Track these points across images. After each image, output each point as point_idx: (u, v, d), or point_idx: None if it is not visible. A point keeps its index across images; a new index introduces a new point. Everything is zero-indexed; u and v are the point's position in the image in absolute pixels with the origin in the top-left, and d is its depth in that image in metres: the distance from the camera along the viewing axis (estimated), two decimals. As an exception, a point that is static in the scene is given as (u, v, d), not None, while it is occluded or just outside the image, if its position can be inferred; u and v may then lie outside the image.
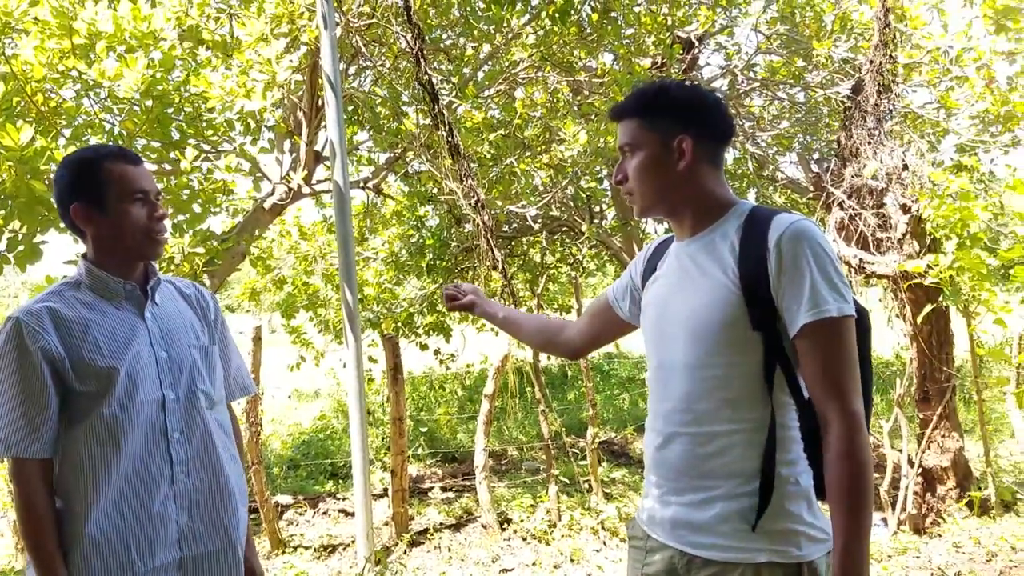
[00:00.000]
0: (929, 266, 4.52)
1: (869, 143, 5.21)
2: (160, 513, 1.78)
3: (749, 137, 7.75)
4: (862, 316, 1.63)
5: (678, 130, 1.66)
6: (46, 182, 3.96)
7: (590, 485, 5.87)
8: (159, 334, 1.86)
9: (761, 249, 1.55)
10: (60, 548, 1.69)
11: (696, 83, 1.91)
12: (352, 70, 7.12)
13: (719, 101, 1.74)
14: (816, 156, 8.20)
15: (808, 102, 7.93)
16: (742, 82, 7.79)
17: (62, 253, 4.69)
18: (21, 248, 4.26)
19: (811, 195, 6.37)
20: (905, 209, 4.96)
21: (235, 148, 5.75)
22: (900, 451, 5.06)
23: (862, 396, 1.50)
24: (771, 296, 1.53)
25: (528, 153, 6.87)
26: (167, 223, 1.92)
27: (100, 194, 1.80)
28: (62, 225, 4.38)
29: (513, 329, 2.29)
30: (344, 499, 6.51)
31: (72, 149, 4.13)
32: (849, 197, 5.18)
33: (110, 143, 2.02)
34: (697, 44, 7.63)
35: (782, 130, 8.00)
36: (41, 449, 1.70)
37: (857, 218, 5.12)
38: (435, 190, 7.52)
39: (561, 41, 6.50)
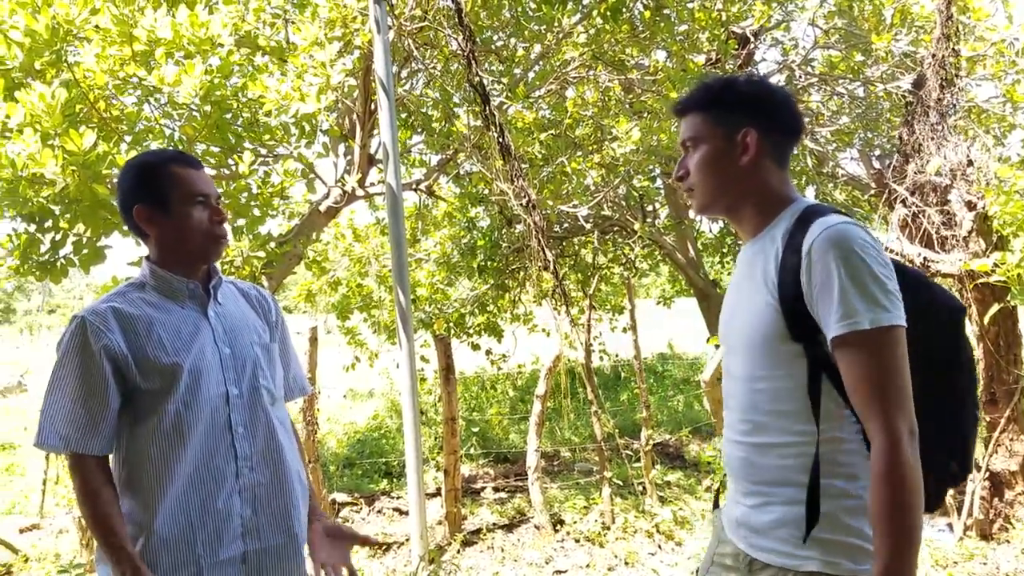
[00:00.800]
0: (996, 264, 4.36)
1: (932, 138, 5.05)
2: (225, 507, 1.81)
3: (808, 133, 7.59)
4: (946, 314, 1.56)
5: (743, 123, 1.61)
6: (108, 186, 4.08)
7: (644, 487, 5.80)
8: (222, 331, 1.90)
9: (797, 256, 1.48)
10: (128, 534, 1.72)
11: (765, 79, 1.84)
12: (404, 73, 7.18)
13: (789, 97, 1.69)
14: (877, 152, 7.98)
15: (868, 97, 7.72)
16: (800, 78, 7.63)
17: (125, 255, 4.82)
18: (85, 251, 4.39)
19: (873, 192, 6.21)
20: (970, 206, 4.79)
21: (291, 152, 5.85)
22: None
23: (907, 410, 1.39)
24: (807, 307, 1.47)
25: (579, 152, 6.83)
26: (227, 226, 1.97)
27: (162, 197, 1.84)
28: (125, 228, 4.52)
29: None
30: (398, 498, 6.57)
31: (133, 154, 4.24)
32: (912, 194, 5.03)
33: (171, 147, 2.07)
34: (753, 39, 7.50)
35: (842, 126, 7.80)
36: (100, 445, 1.74)
37: (921, 215, 4.96)
38: (486, 191, 7.54)
39: (613, 39, 6.45)
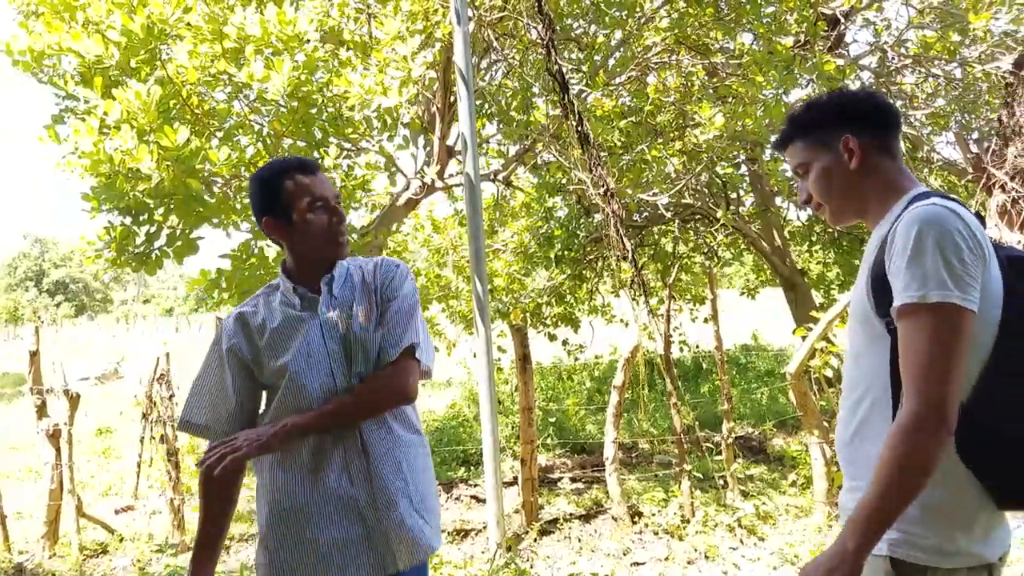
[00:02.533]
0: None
1: (1036, 120, 4.77)
2: (334, 491, 1.91)
3: (902, 117, 7.28)
4: None
5: (840, 133, 1.69)
6: (201, 180, 4.23)
7: (725, 481, 5.70)
8: (331, 327, 1.99)
9: (887, 236, 1.54)
10: (225, 515, 1.99)
11: (844, 88, 1.91)
12: (484, 64, 7.20)
13: (871, 93, 1.75)
14: (975, 135, 7.59)
15: (965, 78, 7.34)
16: (893, 59, 7.31)
17: (217, 248, 5.00)
18: (179, 243, 4.58)
19: (970, 177, 5.91)
20: (1079, 191, 4.51)
21: (373, 145, 5.95)
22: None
23: (944, 392, 1.38)
24: (888, 282, 1.51)
25: (660, 140, 6.73)
26: (346, 224, 2.08)
27: (284, 208, 1.98)
28: (215, 221, 4.69)
29: None
30: (476, 485, 6.63)
31: (224, 149, 4.39)
32: (1012, 179, 4.76)
33: (292, 156, 2.16)
34: (843, 20, 7.22)
35: (937, 108, 7.45)
36: (219, 432, 1.97)
37: (1021, 201, 4.70)
38: (564, 180, 7.51)
39: (696, 22, 6.32)
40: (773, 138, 1.86)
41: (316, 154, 5.20)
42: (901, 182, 1.68)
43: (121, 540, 5.53)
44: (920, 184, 1.69)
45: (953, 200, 1.55)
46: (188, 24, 4.73)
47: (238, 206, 4.76)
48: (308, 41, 4.96)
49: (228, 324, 2.03)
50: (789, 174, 5.95)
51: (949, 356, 1.40)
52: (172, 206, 4.42)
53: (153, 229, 4.64)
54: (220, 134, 4.83)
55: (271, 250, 4.86)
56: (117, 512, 6.45)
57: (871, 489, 1.42)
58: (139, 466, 6.76)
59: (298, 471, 1.93)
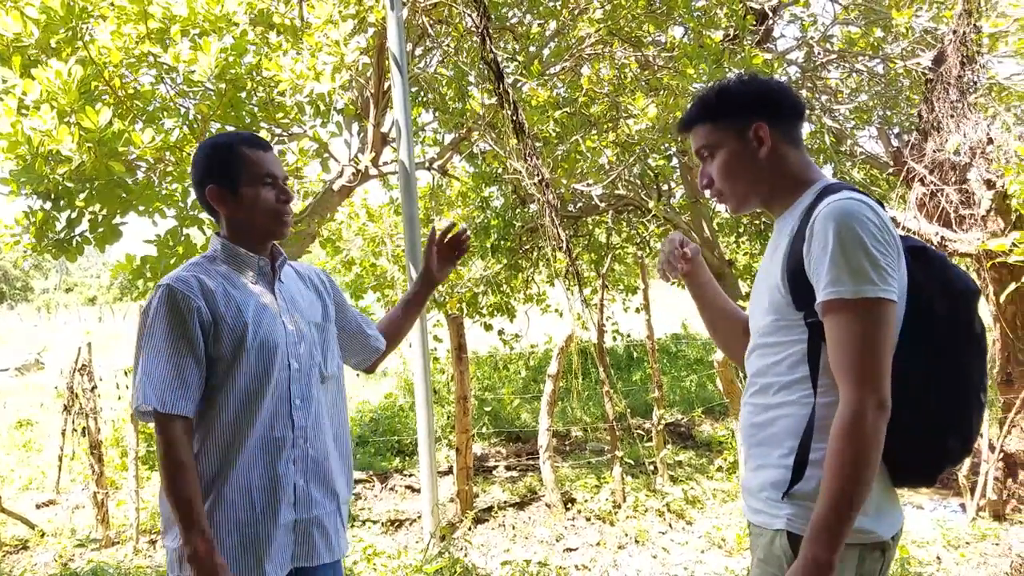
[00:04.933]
0: (1014, 244, 4.31)
1: (952, 116, 4.98)
2: (283, 474, 1.89)
3: (826, 111, 7.50)
4: (957, 295, 1.58)
5: (750, 119, 1.69)
6: (124, 164, 4.09)
7: (655, 467, 5.82)
8: (286, 308, 1.99)
9: (804, 230, 1.56)
10: (203, 502, 1.79)
11: (753, 73, 1.91)
12: (418, 51, 7.14)
13: (782, 83, 1.77)
14: (896, 130, 7.88)
15: (888, 74, 7.61)
16: (818, 54, 7.52)
17: (140, 234, 4.85)
18: (101, 229, 4.42)
19: (891, 170, 6.13)
20: (990, 185, 4.72)
21: (305, 131, 5.85)
22: (980, 436, 4.87)
23: (878, 382, 1.45)
24: (807, 277, 1.55)
25: (594, 131, 6.79)
26: (292, 205, 2.04)
27: (232, 177, 1.94)
28: (140, 208, 4.54)
29: (714, 317, 2.10)
30: (410, 475, 6.62)
31: (148, 132, 4.25)
32: (931, 172, 4.97)
33: (245, 131, 2.14)
34: (771, 15, 7.40)
35: (860, 103, 7.71)
36: (189, 408, 1.81)
37: (939, 194, 4.90)
38: (500, 170, 7.51)
39: (629, 15, 6.39)
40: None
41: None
42: (807, 173, 1.72)
43: (43, 535, 5.35)
44: (823, 174, 1.74)
45: (862, 192, 1.61)
46: (112, 3, 4.57)
47: (163, 192, 4.63)
48: (237, 24, 4.83)
49: (182, 287, 1.83)
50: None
51: (880, 347, 1.46)
52: (94, 191, 4.26)
53: (74, 214, 4.46)
54: (144, 117, 4.67)
55: (200, 237, 4.74)
56: (38, 507, 6.23)
57: (830, 490, 1.44)
58: (61, 459, 6.54)
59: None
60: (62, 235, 4.50)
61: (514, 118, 5.04)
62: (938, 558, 4.21)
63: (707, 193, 1.81)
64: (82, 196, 4.31)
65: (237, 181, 1.94)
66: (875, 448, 1.44)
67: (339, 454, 2.07)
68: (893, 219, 4.85)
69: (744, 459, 1.76)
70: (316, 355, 2.02)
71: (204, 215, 5.12)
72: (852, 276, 1.46)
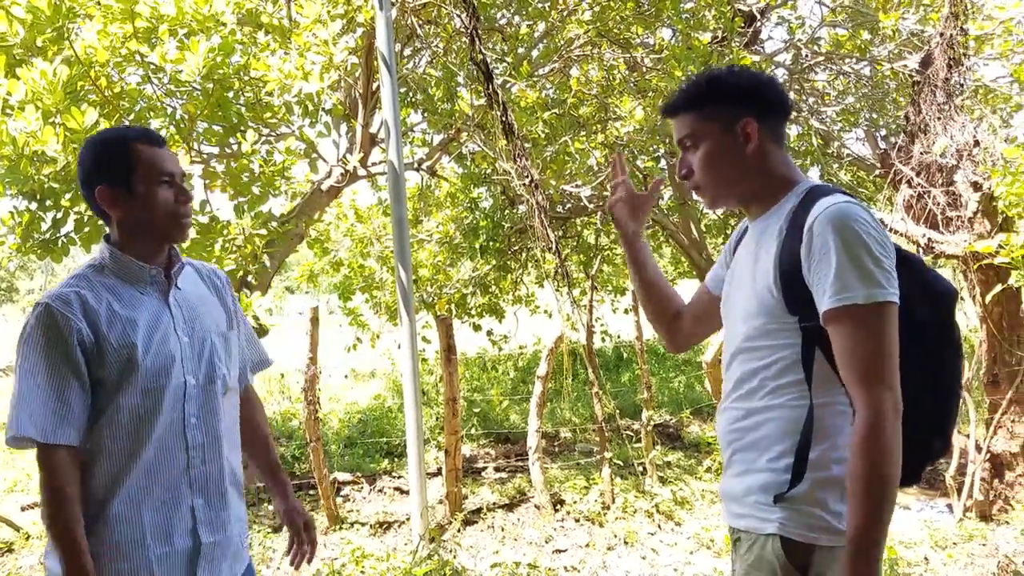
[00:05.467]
0: (1001, 246, 4.34)
1: (939, 118, 5.01)
2: (175, 498, 1.78)
3: (814, 113, 7.53)
4: (938, 298, 1.59)
5: (740, 114, 1.64)
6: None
7: (644, 468, 5.82)
8: (181, 319, 1.85)
9: (798, 233, 1.53)
10: (86, 536, 1.66)
11: (745, 66, 1.87)
12: (407, 51, 7.12)
13: (773, 79, 1.73)
14: (883, 132, 7.93)
15: (875, 76, 7.65)
16: (806, 56, 7.55)
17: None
18: (87, 229, 4.38)
19: (878, 172, 6.16)
20: (976, 187, 4.76)
21: (293, 131, 5.82)
22: (967, 436, 4.90)
23: (893, 385, 1.44)
24: (804, 282, 1.52)
25: (583, 132, 6.79)
26: (191, 206, 1.90)
27: (126, 177, 1.78)
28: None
29: (648, 289, 2.03)
30: (399, 477, 6.59)
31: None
32: (918, 175, 4.99)
33: (136, 125, 2.03)
34: (759, 17, 7.42)
35: (848, 105, 7.75)
36: (74, 436, 1.68)
37: (926, 196, 4.93)
38: (489, 171, 7.51)
39: (618, 17, 6.39)
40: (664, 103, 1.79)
41: (233, 139, 5.05)
42: (790, 174, 1.69)
43: (28, 538, 5.29)
44: (803, 175, 1.71)
45: (853, 196, 1.60)
46: (98, 2, 4.53)
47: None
48: (224, 24, 4.81)
49: (62, 307, 1.68)
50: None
51: (892, 349, 1.46)
52: (80, 191, 4.22)
53: (60, 215, 4.42)
54: (131, 117, 4.64)
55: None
56: (23, 509, 6.17)
57: (864, 502, 1.41)
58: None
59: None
60: (47, 236, 4.46)
61: (503, 119, 5.03)
62: (926, 559, 4.23)
63: (685, 184, 1.77)
64: (67, 197, 4.26)
65: (132, 181, 1.77)
66: (898, 449, 1.42)
67: (237, 468, 1.95)
68: (880, 221, 4.87)
69: (726, 464, 1.72)
70: (219, 367, 1.88)
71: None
72: (862, 281, 1.44)
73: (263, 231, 5.27)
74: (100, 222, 4.32)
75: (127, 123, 4.57)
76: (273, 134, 5.93)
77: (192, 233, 5.01)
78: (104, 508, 1.71)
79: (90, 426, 1.72)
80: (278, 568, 4.68)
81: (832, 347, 1.50)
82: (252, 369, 2.17)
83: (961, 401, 1.66)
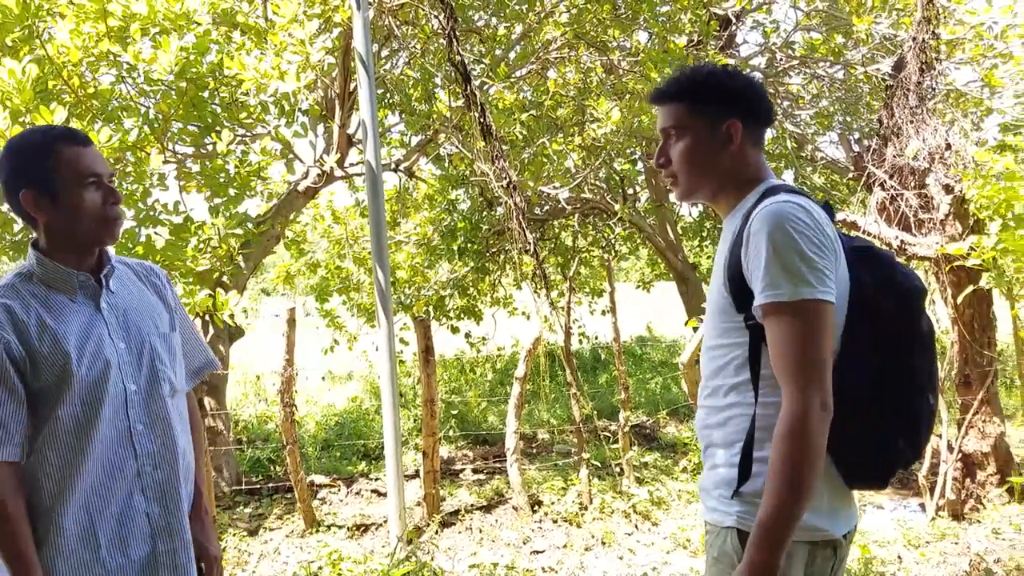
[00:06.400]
0: (972, 248, 4.40)
1: (911, 122, 5.08)
2: (127, 508, 1.74)
3: (788, 116, 7.61)
4: (904, 294, 1.60)
5: (727, 114, 1.68)
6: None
7: (621, 468, 5.84)
8: (116, 324, 1.79)
9: (743, 232, 1.58)
10: (35, 552, 1.62)
11: (735, 66, 1.90)
12: (385, 52, 7.10)
13: (762, 87, 1.78)
14: (856, 135, 8.02)
15: (848, 80, 7.75)
16: (780, 60, 7.64)
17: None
18: (60, 230, 4.31)
19: (851, 175, 6.23)
20: (948, 189, 4.83)
21: (269, 131, 5.78)
22: (939, 436, 4.96)
23: (820, 381, 1.46)
24: (746, 281, 1.56)
25: (560, 134, 6.81)
26: (122, 207, 1.83)
27: (50, 180, 1.70)
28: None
29: None
30: (377, 479, 6.56)
31: (106, 131, 4.17)
32: (891, 177, 5.06)
33: (58, 125, 1.97)
34: (735, 21, 7.49)
35: (821, 109, 7.84)
36: (13, 452, 1.63)
37: (899, 199, 5.00)
38: (467, 172, 7.50)
39: (595, 19, 6.42)
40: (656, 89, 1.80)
41: (208, 139, 5.01)
42: (758, 172, 1.72)
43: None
44: (772, 175, 1.75)
45: (801, 195, 1.62)
46: (71, 1, 4.48)
47: (123, 193, 4.55)
48: (199, 23, 4.77)
49: None
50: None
51: (818, 348, 1.47)
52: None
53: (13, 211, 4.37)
54: (103, 116, 4.59)
55: (159, 239, 4.66)
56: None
57: (772, 493, 1.45)
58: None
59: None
60: (19, 236, 4.40)
61: (481, 120, 5.03)
62: (899, 557, 4.28)
63: (661, 172, 1.80)
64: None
65: (56, 184, 1.69)
66: (818, 450, 1.44)
67: (185, 472, 1.89)
68: (854, 224, 4.93)
69: (703, 459, 1.78)
70: (162, 370, 1.82)
71: (164, 216, 5.03)
72: (788, 279, 1.47)
73: (238, 231, 5.23)
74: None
75: (99, 123, 4.51)
76: (249, 134, 5.89)
77: (165, 234, 4.97)
78: (53, 520, 1.66)
79: (33, 437, 1.68)
80: (253, 572, 4.64)
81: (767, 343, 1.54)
82: (197, 373, 2.08)
83: (934, 403, 1.65)
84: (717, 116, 1.68)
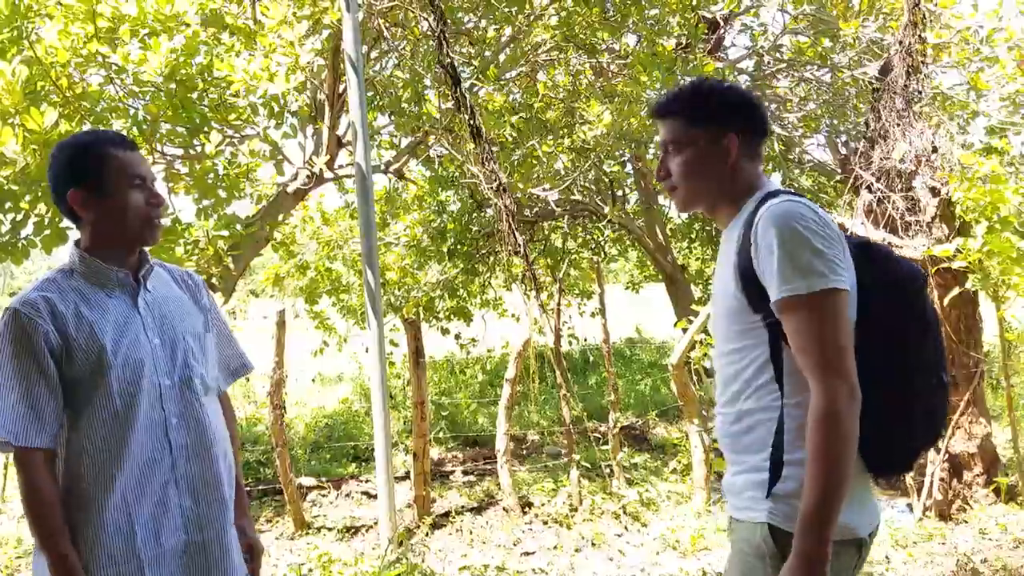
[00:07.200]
0: (958, 250, 4.44)
1: (898, 125, 5.12)
2: (162, 499, 1.79)
3: (776, 119, 7.64)
4: (902, 282, 1.64)
5: (726, 129, 1.73)
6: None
7: (611, 470, 5.86)
8: (152, 321, 1.86)
9: (750, 235, 1.62)
10: (68, 531, 1.68)
11: (738, 85, 1.95)
12: (374, 54, 7.10)
13: (760, 101, 1.84)
14: (844, 138, 8.06)
15: (835, 83, 7.79)
16: (768, 63, 7.67)
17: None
18: (47, 232, 4.30)
19: (839, 178, 6.28)
20: (934, 192, 4.87)
21: (258, 133, 5.77)
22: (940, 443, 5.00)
23: (845, 370, 1.49)
24: (759, 280, 1.59)
25: (550, 136, 6.82)
26: (163, 208, 1.92)
27: (99, 180, 1.79)
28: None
29: None
30: (367, 481, 6.55)
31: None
32: (877, 180, 5.10)
33: (108, 130, 2.04)
34: (723, 24, 7.53)
35: (809, 112, 7.87)
36: (47, 439, 1.70)
37: (885, 201, 5.04)
38: (456, 174, 7.50)
39: (584, 22, 6.44)
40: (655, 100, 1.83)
41: (197, 140, 4.99)
42: (755, 183, 1.77)
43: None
44: (770, 182, 1.79)
45: (801, 196, 1.67)
46: (59, 2, 4.46)
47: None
48: (188, 24, 4.75)
49: (29, 312, 1.70)
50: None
51: (840, 336, 1.51)
52: (39, 193, 4.15)
53: (19, 217, 4.34)
54: (92, 117, 4.56)
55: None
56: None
57: (813, 486, 1.48)
58: (6, 468, 6.33)
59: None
60: (7, 238, 4.38)
61: (471, 122, 5.04)
62: (887, 557, 4.31)
63: (662, 185, 1.85)
64: (27, 198, 4.19)
65: (105, 185, 1.79)
66: (852, 437, 1.48)
67: (227, 467, 1.96)
68: (841, 225, 4.96)
69: (727, 462, 1.80)
70: (195, 367, 1.89)
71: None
72: (802, 273, 1.51)
73: (226, 233, 5.21)
74: (61, 224, 4.26)
75: (88, 124, 4.49)
76: (238, 136, 5.87)
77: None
78: (93, 509, 1.72)
79: (71, 427, 1.75)
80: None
81: (788, 339, 1.57)
82: (234, 373, 2.16)
83: (948, 381, 1.69)
84: (715, 131, 1.74)
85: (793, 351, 1.56)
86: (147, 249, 1.93)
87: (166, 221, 5.03)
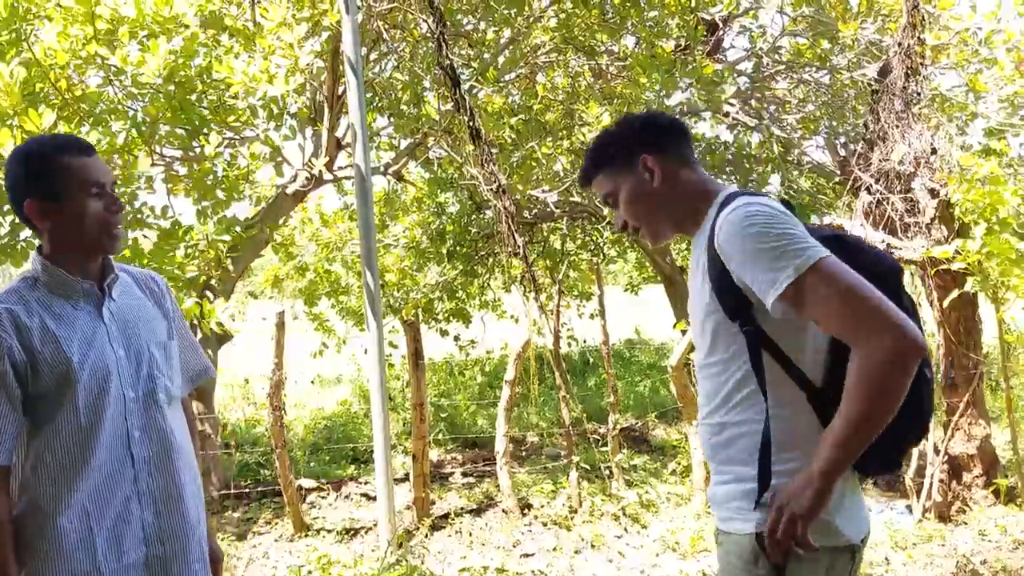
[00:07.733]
0: (957, 251, 4.44)
1: (897, 127, 5.12)
2: (124, 513, 1.76)
3: (774, 120, 7.64)
4: (882, 277, 1.58)
5: (636, 155, 1.75)
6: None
7: (611, 471, 5.85)
8: (117, 332, 1.83)
9: (714, 244, 1.61)
10: (16, 556, 1.65)
11: (630, 114, 2.01)
12: (373, 56, 7.10)
13: (653, 113, 1.86)
14: (843, 140, 8.07)
15: (834, 85, 7.79)
16: (767, 65, 7.67)
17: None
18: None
19: (838, 179, 6.28)
20: (933, 193, 4.87)
21: (258, 135, 5.77)
22: (926, 439, 5.00)
23: (886, 321, 1.43)
24: (736, 287, 1.57)
25: (549, 138, 6.82)
26: (122, 215, 1.87)
27: (55, 189, 1.74)
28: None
29: None
30: (366, 483, 6.55)
31: (94, 135, 4.15)
32: (877, 181, 5.10)
33: (64, 134, 2.01)
34: (722, 26, 7.52)
35: (808, 113, 7.87)
36: (3, 456, 1.66)
37: (885, 203, 5.04)
38: (456, 176, 7.50)
39: (583, 24, 6.44)
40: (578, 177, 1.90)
41: (196, 142, 4.99)
42: (707, 187, 1.77)
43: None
44: (723, 185, 1.79)
45: (756, 193, 1.67)
46: (58, 4, 4.46)
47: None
48: (187, 26, 4.75)
49: None
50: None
51: (861, 288, 1.46)
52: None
53: (19, 219, 4.34)
54: (91, 119, 4.56)
55: (147, 241, 4.63)
56: None
57: (847, 417, 1.44)
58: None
59: None
60: (6, 240, 4.38)
61: (470, 124, 5.04)
62: (886, 559, 4.31)
63: (627, 235, 1.88)
64: (26, 200, 4.18)
65: (60, 194, 1.73)
66: (896, 392, 1.42)
67: (192, 479, 1.94)
68: (840, 227, 4.96)
69: (712, 472, 1.79)
70: (159, 378, 1.87)
71: (152, 219, 5.01)
72: (783, 261, 1.49)
73: (226, 236, 5.21)
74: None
75: (87, 126, 4.49)
76: (237, 137, 5.88)
77: (153, 238, 4.95)
78: (51, 523, 1.69)
79: (31, 440, 1.71)
80: (242, 577, 4.62)
81: (815, 325, 1.54)
82: (193, 379, 2.12)
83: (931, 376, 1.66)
84: (631, 162, 1.76)
85: (823, 331, 1.53)
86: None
87: (165, 223, 5.04)
